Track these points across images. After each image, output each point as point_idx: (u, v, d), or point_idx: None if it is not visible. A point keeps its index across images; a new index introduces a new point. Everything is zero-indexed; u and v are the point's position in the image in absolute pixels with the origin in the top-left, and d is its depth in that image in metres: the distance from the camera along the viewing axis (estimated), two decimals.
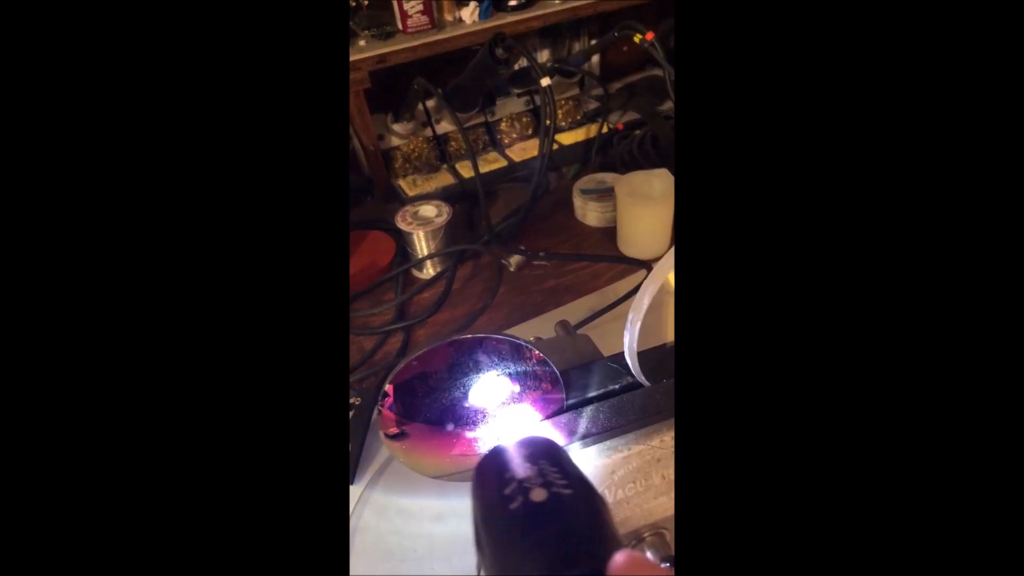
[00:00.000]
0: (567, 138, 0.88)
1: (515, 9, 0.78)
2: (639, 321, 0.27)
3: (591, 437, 0.26)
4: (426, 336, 0.62)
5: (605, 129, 0.88)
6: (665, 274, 0.26)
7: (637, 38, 0.66)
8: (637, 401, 0.28)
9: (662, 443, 0.27)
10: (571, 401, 0.29)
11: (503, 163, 0.84)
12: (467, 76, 0.71)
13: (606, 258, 0.68)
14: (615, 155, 0.84)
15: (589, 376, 0.30)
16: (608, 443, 0.26)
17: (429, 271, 0.69)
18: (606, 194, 0.73)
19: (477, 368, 0.29)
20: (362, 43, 0.74)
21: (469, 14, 0.76)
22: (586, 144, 0.87)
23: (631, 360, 0.27)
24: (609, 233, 0.72)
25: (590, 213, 0.74)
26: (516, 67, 0.75)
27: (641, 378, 0.28)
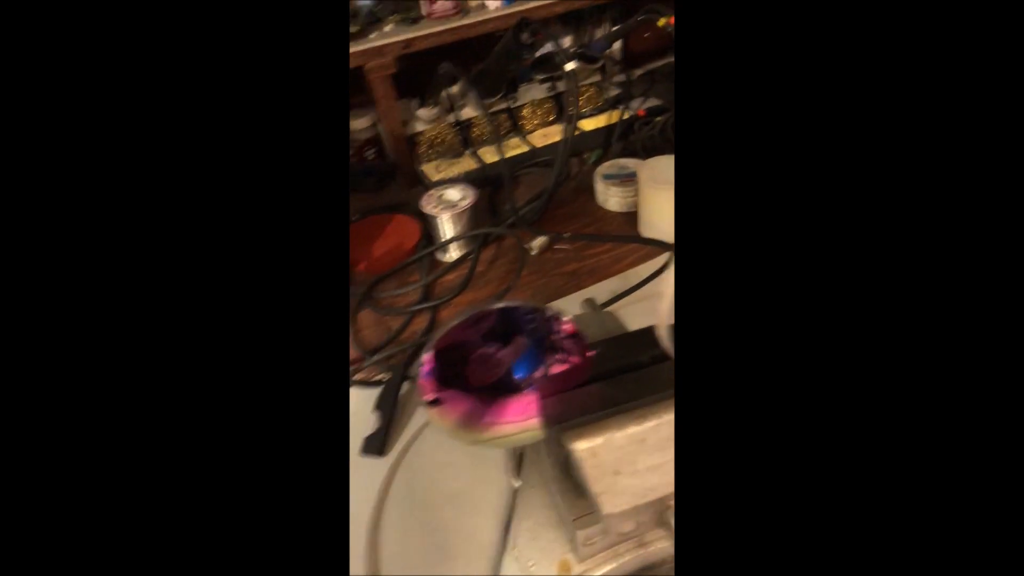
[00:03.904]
0: (589, 124, 0.88)
1: None
2: (671, 292, 0.27)
3: (621, 406, 0.27)
4: (450, 316, 0.63)
5: (627, 115, 0.88)
6: None
7: (661, 22, 0.66)
8: (666, 372, 0.29)
9: None
10: (601, 372, 0.30)
11: (525, 148, 0.85)
12: (492, 61, 0.72)
13: (631, 239, 0.69)
14: (636, 141, 0.84)
15: (619, 348, 0.31)
16: (638, 412, 0.27)
17: (453, 254, 0.71)
18: (628, 179, 0.73)
19: (510, 337, 0.31)
20: (388, 28, 0.75)
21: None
22: (608, 130, 0.88)
23: (663, 331, 0.28)
24: (630, 218, 0.72)
25: (611, 198, 0.74)
26: (540, 52, 0.76)
27: (671, 350, 0.29)
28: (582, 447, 0.27)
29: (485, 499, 0.45)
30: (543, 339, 0.31)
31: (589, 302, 0.43)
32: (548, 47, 0.72)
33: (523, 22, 0.66)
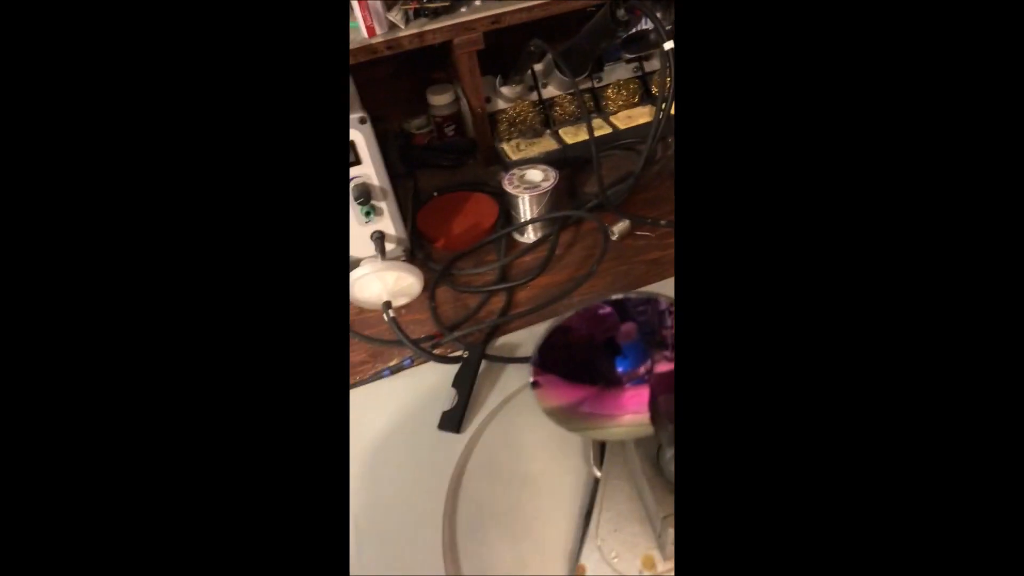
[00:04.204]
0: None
1: None
2: None
3: None
4: (527, 298, 0.63)
5: None
6: None
7: None
8: None
9: None
10: None
11: (608, 130, 0.83)
12: (583, 38, 0.70)
13: None
14: None
15: None
16: None
17: (531, 235, 0.70)
18: None
19: (619, 330, 0.29)
20: (477, 3, 0.73)
21: None
22: None
23: None
24: None
25: None
26: (632, 30, 0.73)
27: None
28: None
29: (563, 485, 0.45)
30: (653, 332, 0.30)
31: None
32: (643, 24, 0.69)
33: None
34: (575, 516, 0.43)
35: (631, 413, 0.30)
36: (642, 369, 0.31)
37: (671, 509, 0.33)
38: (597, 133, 0.83)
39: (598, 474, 0.42)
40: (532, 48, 0.70)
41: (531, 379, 0.29)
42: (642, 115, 0.85)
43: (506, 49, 0.76)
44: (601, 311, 0.28)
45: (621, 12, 0.64)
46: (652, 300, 0.29)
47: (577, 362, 0.31)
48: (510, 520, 0.43)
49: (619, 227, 0.67)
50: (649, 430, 0.31)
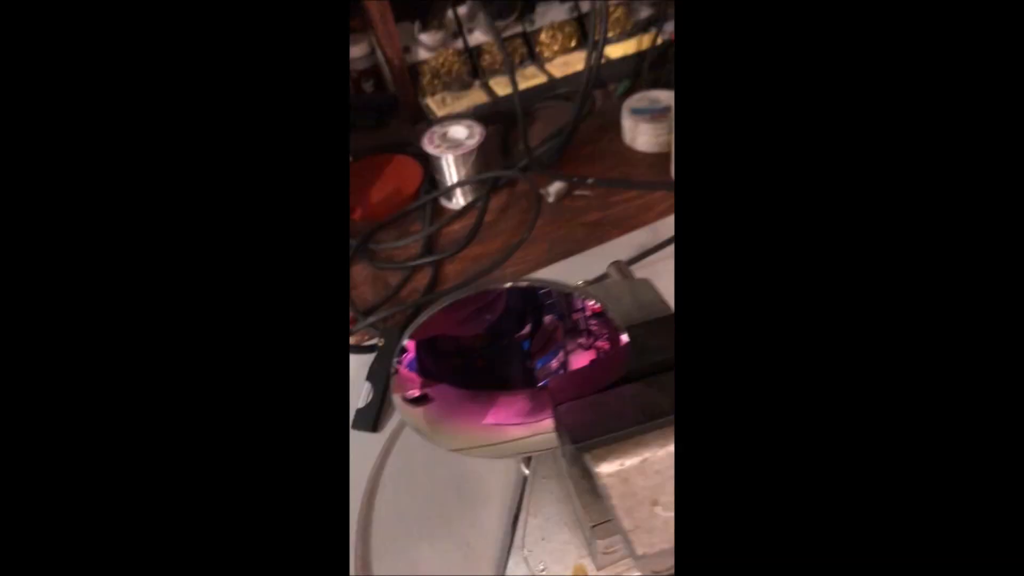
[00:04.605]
0: (616, 51, 0.78)
1: None
2: None
3: (666, 417, 0.20)
4: (455, 272, 0.57)
5: (659, 40, 0.77)
6: None
7: None
8: None
9: None
10: (638, 368, 0.23)
11: (543, 79, 0.76)
12: None
13: (661, 185, 0.61)
14: (670, 70, 0.74)
15: (660, 335, 0.24)
16: None
17: (459, 200, 0.63)
18: (660, 114, 0.64)
19: (518, 320, 0.24)
20: None
21: None
22: (637, 58, 0.78)
23: None
24: (662, 159, 0.64)
25: (641, 136, 0.65)
26: None
27: None
28: (609, 471, 0.20)
29: (492, 486, 0.40)
30: (562, 318, 0.24)
31: (618, 266, 0.35)
32: None
33: None
34: (504, 519, 0.39)
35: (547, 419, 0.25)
36: (555, 362, 0.25)
37: (602, 517, 0.29)
38: (532, 82, 0.75)
39: (526, 471, 0.37)
40: None
41: (411, 394, 0.24)
42: (580, 61, 0.78)
43: None
44: (482, 303, 0.23)
45: None
46: (549, 285, 0.23)
47: (474, 364, 0.25)
48: (432, 526, 0.39)
49: (554, 187, 0.61)
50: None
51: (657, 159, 0.65)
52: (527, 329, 0.24)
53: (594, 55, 0.60)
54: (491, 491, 0.40)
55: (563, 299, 0.23)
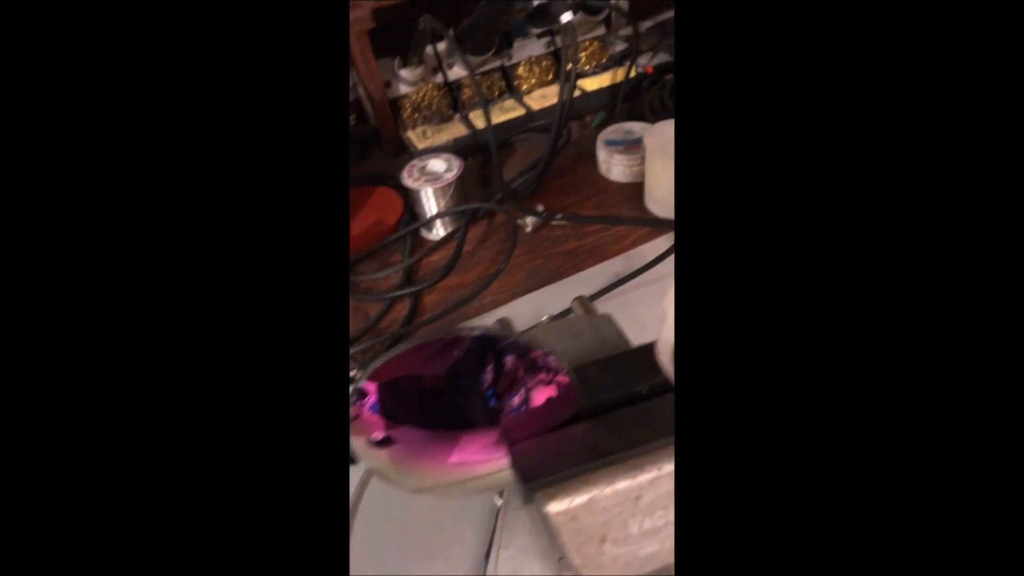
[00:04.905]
0: (591, 83, 0.80)
1: None
2: (672, 310, 0.21)
3: (612, 455, 0.21)
4: (434, 302, 0.58)
5: (633, 73, 0.79)
6: None
7: None
8: (669, 408, 0.23)
9: None
10: (588, 406, 0.24)
11: (521, 111, 0.77)
12: (480, 13, 0.64)
13: (631, 220, 0.63)
14: (644, 102, 0.76)
15: (610, 373, 0.25)
16: (631, 461, 0.21)
17: (439, 231, 0.64)
18: (633, 145, 0.66)
19: (473, 364, 0.25)
20: None
21: None
22: (612, 90, 0.80)
23: (665, 357, 0.22)
24: (636, 189, 0.66)
25: (615, 167, 0.67)
26: (536, 2, 0.67)
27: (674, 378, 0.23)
28: (558, 510, 0.21)
29: (466, 519, 0.41)
30: (521, 356, 0.25)
31: (581, 301, 0.36)
32: None
33: None
34: (479, 550, 0.39)
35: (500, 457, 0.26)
36: (516, 400, 0.26)
37: (562, 551, 0.30)
38: (510, 115, 0.77)
39: (498, 502, 0.38)
40: (422, 26, 0.64)
41: (376, 436, 0.24)
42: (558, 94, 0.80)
43: (405, 26, 0.70)
44: (439, 347, 0.24)
45: None
46: (499, 334, 0.24)
47: (437, 404, 0.26)
48: (407, 560, 0.39)
49: (531, 218, 0.63)
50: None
51: (632, 189, 0.66)
52: (487, 370, 0.25)
53: (567, 88, 0.62)
54: (465, 523, 0.41)
55: (505, 345, 0.24)
